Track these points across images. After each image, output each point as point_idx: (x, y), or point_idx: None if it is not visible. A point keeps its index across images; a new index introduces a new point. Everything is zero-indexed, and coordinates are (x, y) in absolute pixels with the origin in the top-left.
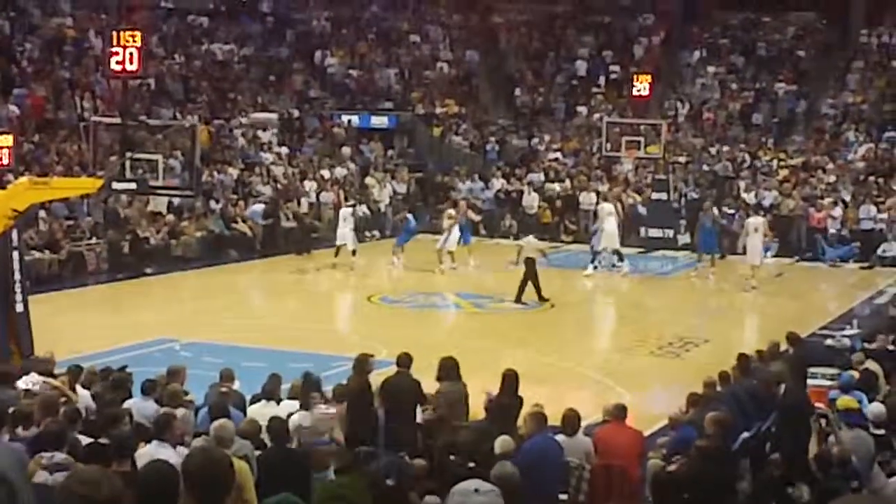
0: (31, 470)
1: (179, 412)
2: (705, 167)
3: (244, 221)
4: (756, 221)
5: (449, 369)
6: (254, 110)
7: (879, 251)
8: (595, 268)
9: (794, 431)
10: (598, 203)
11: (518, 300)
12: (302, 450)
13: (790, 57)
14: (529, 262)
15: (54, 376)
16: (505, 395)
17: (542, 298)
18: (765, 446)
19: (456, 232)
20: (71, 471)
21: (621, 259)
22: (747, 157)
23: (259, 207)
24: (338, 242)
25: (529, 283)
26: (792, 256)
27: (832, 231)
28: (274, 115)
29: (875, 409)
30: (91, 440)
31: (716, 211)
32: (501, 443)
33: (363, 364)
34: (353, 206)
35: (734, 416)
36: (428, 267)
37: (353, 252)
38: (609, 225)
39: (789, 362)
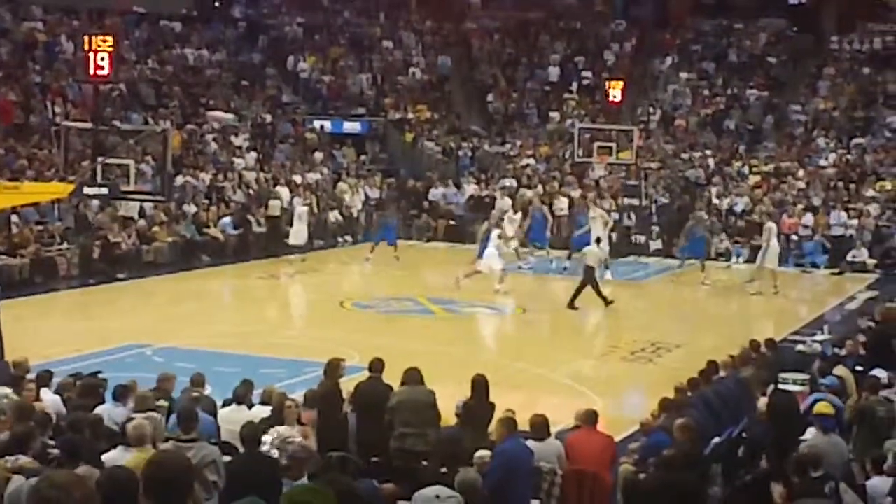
0: None
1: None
2: (677, 173)
3: (216, 227)
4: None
5: (411, 376)
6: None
7: (849, 257)
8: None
9: (784, 434)
10: (571, 207)
11: (570, 305)
12: (273, 456)
13: (761, 63)
14: (589, 270)
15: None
16: (475, 400)
17: (606, 302)
18: (737, 451)
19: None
20: (40, 475)
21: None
22: (718, 162)
23: (228, 220)
24: (292, 241)
25: (590, 289)
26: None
27: (803, 236)
28: (231, 115)
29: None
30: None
31: (705, 216)
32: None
33: (334, 369)
34: (308, 204)
35: (705, 422)
36: (399, 271)
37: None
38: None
39: (761, 367)
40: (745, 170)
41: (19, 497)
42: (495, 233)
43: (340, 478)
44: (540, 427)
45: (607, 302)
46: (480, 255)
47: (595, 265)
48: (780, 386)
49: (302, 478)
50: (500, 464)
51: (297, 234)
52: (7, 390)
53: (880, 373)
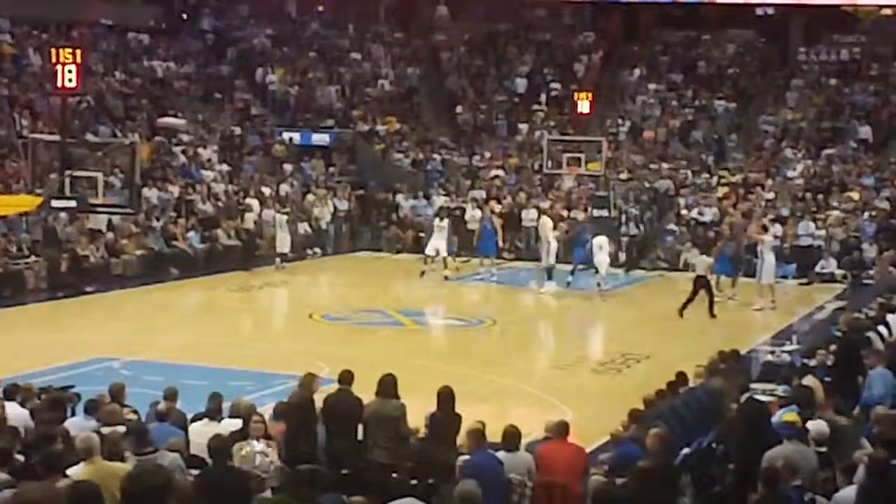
0: None
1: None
2: (646, 184)
3: (184, 239)
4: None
5: (385, 386)
6: (195, 127)
7: (818, 268)
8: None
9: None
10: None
11: (681, 313)
12: (243, 469)
13: (729, 75)
14: (700, 280)
15: None
16: (441, 412)
17: (712, 315)
18: (707, 462)
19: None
20: (16, 489)
21: (550, 277)
22: (688, 174)
23: (193, 233)
24: (279, 249)
25: (703, 298)
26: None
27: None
28: (182, 121)
29: (817, 426)
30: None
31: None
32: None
33: (309, 383)
34: (288, 212)
35: (674, 432)
36: (371, 284)
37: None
38: (554, 242)
39: (729, 378)
40: (714, 181)
41: None
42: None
43: (308, 492)
44: (511, 438)
45: (712, 314)
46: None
47: (705, 273)
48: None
49: (264, 492)
50: (470, 476)
51: (283, 241)
52: None
53: None
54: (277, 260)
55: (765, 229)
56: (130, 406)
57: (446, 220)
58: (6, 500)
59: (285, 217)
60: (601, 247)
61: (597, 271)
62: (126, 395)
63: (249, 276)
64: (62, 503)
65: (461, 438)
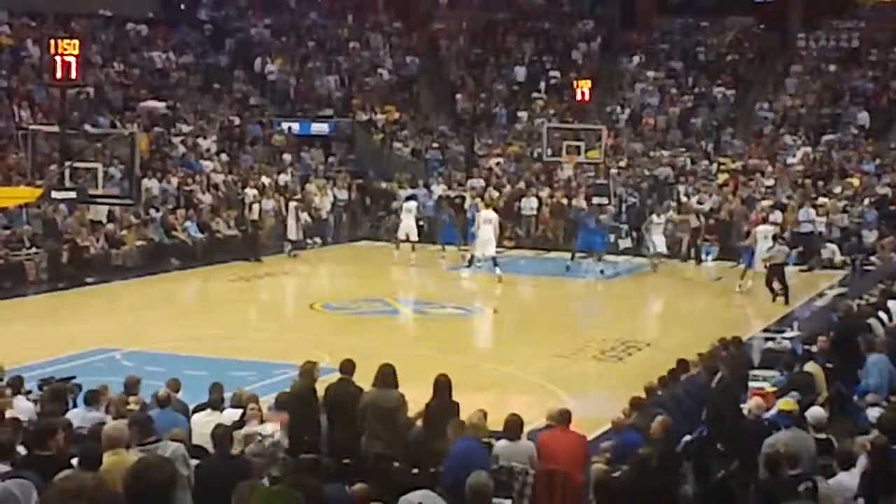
0: None
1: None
2: (646, 171)
3: (183, 230)
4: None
5: (384, 376)
6: (194, 118)
7: (820, 255)
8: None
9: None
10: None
11: (786, 301)
12: (245, 458)
13: (728, 61)
14: (776, 268)
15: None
16: (437, 400)
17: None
18: (708, 449)
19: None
20: (66, 477)
21: (496, 264)
22: (688, 161)
23: (190, 223)
24: (290, 237)
25: (780, 283)
26: (732, 260)
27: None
28: (162, 104)
29: (815, 412)
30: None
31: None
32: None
33: (309, 371)
34: (299, 200)
35: (675, 420)
36: (371, 273)
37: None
38: (484, 233)
39: (730, 365)
40: (713, 168)
41: None
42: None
43: (309, 480)
44: (513, 426)
45: (776, 296)
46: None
47: (781, 261)
48: (751, 383)
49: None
50: (454, 464)
51: (292, 228)
52: None
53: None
54: (287, 247)
55: (765, 220)
56: (142, 398)
57: (412, 203)
58: (57, 487)
59: (294, 205)
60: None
61: (599, 258)
62: (141, 388)
63: (254, 266)
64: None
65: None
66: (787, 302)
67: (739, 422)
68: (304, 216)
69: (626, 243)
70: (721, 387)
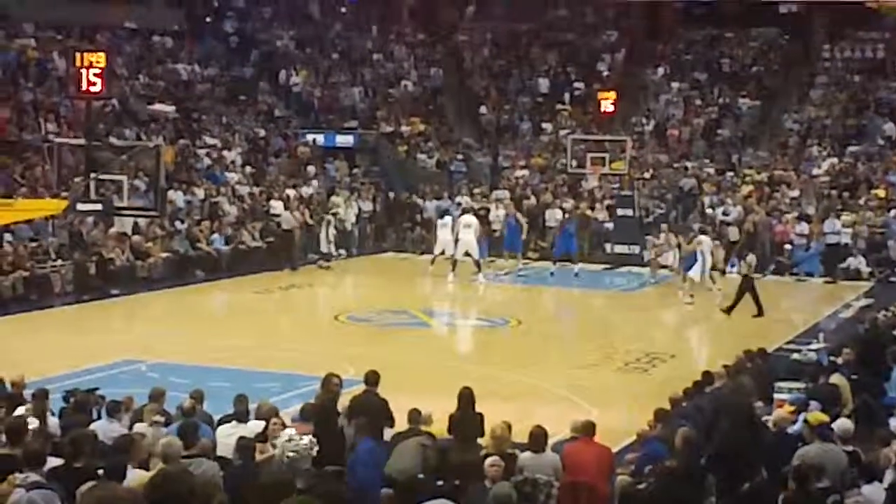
0: (3, 490)
1: (146, 432)
2: (670, 183)
3: (209, 243)
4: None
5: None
6: (219, 130)
7: (844, 265)
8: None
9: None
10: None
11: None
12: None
13: (753, 72)
14: (747, 280)
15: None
16: (461, 412)
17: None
18: (733, 462)
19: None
20: (92, 488)
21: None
22: (712, 172)
23: (217, 236)
24: (324, 249)
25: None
26: (757, 272)
27: (798, 245)
28: (172, 108)
29: (841, 424)
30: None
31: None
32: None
33: (330, 383)
34: (335, 214)
35: (700, 432)
36: (396, 285)
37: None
38: (466, 235)
39: (755, 377)
40: (738, 179)
41: None
42: None
43: (334, 490)
44: (538, 438)
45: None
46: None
47: (750, 273)
48: (776, 395)
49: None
50: (354, 463)
51: (326, 241)
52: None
53: None
54: (319, 259)
55: (703, 232)
56: (166, 411)
57: (448, 219)
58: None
59: (330, 218)
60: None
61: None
62: (166, 400)
63: (279, 278)
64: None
65: (485, 439)
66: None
67: (754, 433)
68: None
69: (650, 255)
70: (732, 396)
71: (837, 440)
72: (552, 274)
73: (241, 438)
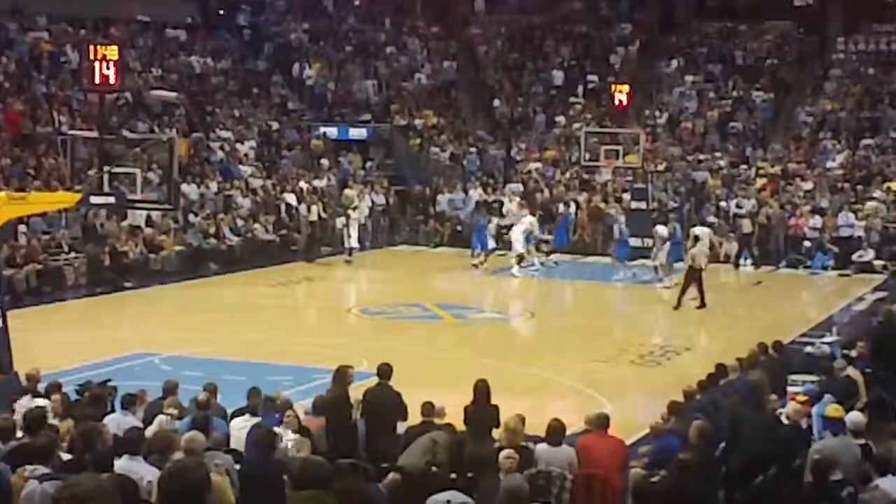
0: (15, 483)
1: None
2: (684, 175)
3: (222, 237)
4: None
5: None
6: (233, 123)
7: (855, 257)
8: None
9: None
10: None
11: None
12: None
13: (767, 65)
14: (695, 272)
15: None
16: (476, 405)
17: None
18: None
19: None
20: (63, 481)
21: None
22: (726, 165)
23: (226, 228)
24: (352, 245)
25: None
26: (771, 264)
27: (812, 238)
28: (173, 94)
29: (854, 417)
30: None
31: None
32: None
33: (343, 376)
34: (355, 207)
35: (714, 425)
36: (409, 278)
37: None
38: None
39: (769, 370)
40: (752, 172)
41: (32, 500)
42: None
43: (351, 485)
44: (555, 432)
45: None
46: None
47: (701, 266)
48: (789, 388)
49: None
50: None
51: (354, 238)
52: (42, 401)
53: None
54: (346, 254)
55: (664, 223)
56: (181, 403)
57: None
58: (57, 489)
59: (356, 214)
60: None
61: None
62: (179, 393)
63: (292, 270)
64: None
65: (498, 432)
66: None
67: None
68: (342, 221)
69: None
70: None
71: (849, 433)
72: (556, 264)
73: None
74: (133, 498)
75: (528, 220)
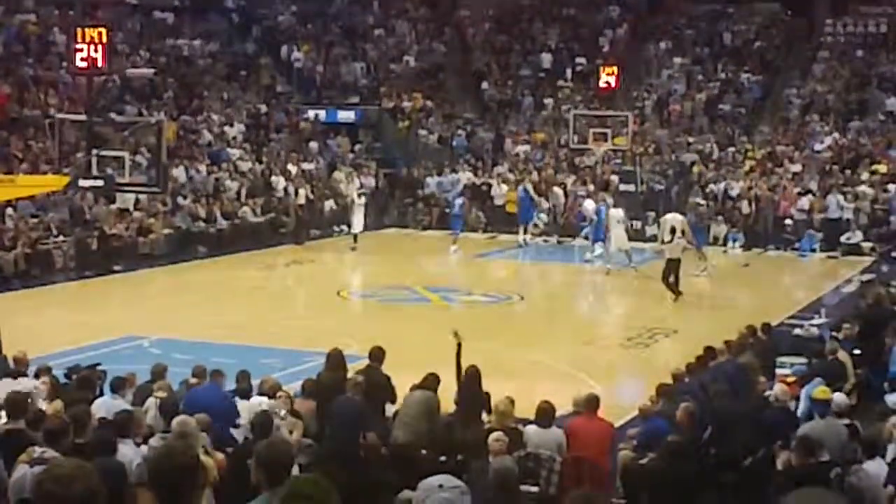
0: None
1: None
2: (672, 158)
3: (213, 220)
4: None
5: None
6: (221, 106)
7: (843, 239)
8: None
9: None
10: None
11: (675, 297)
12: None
13: (755, 48)
14: (673, 263)
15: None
16: (467, 390)
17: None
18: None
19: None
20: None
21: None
22: (714, 147)
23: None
24: (355, 230)
25: (673, 278)
26: (759, 246)
27: (799, 220)
28: (151, 70)
29: (838, 399)
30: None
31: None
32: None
33: (337, 359)
34: (364, 194)
35: (702, 407)
36: (398, 261)
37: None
38: (618, 230)
39: (758, 352)
40: (741, 155)
41: (23, 485)
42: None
43: (343, 467)
44: (545, 413)
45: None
46: None
47: (678, 256)
48: (778, 370)
49: None
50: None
51: (358, 223)
52: (36, 382)
53: None
54: (350, 240)
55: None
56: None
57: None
58: (39, 472)
59: (361, 201)
60: (618, 221)
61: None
62: (168, 376)
63: (282, 253)
64: (90, 484)
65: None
66: (675, 298)
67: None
68: (330, 204)
69: (652, 230)
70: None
71: (834, 414)
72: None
73: (258, 413)
74: (119, 480)
75: (620, 214)
